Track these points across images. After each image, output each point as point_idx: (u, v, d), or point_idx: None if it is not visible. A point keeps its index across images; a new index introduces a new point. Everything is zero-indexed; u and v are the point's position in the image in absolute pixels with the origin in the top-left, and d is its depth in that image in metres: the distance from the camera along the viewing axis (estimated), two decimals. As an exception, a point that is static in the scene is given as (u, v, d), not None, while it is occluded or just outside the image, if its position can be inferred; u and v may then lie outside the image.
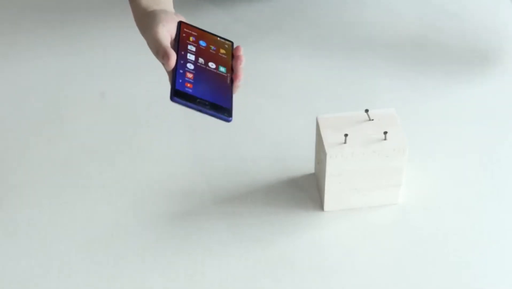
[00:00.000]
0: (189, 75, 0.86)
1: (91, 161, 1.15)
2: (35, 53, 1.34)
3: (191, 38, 0.90)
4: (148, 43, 0.88)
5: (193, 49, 0.89)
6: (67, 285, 1.00)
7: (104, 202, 1.10)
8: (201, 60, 0.88)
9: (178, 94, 0.84)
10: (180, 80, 0.85)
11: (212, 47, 0.90)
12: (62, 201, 1.10)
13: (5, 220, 1.08)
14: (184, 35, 0.89)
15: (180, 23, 0.90)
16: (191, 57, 0.88)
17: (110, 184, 1.12)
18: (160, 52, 0.86)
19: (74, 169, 1.14)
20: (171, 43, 0.88)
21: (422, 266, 1.02)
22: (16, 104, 1.25)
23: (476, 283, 1.00)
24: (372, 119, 1.04)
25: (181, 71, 0.86)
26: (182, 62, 0.87)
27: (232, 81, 0.89)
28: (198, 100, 0.84)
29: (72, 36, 1.37)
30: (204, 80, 0.87)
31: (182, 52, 0.88)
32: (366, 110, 1.05)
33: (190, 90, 0.85)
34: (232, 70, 0.89)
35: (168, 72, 0.87)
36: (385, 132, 1.02)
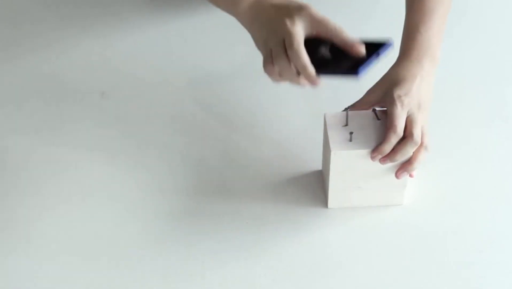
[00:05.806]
0: None
1: (91, 160, 1.15)
2: (34, 52, 1.33)
3: None
4: None
5: None
6: (66, 285, 1.01)
7: (104, 202, 1.10)
8: None
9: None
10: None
11: None
12: (62, 201, 1.10)
13: (5, 220, 1.08)
14: None
15: None
16: None
17: (110, 184, 1.12)
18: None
19: (74, 169, 1.14)
20: None
21: (426, 268, 1.02)
22: (16, 104, 1.24)
23: (483, 284, 1.00)
24: (379, 119, 1.04)
25: None
26: None
27: None
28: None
29: (72, 35, 1.35)
30: None
31: None
32: (374, 110, 1.04)
33: None
34: None
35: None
36: (392, 132, 1.02)
